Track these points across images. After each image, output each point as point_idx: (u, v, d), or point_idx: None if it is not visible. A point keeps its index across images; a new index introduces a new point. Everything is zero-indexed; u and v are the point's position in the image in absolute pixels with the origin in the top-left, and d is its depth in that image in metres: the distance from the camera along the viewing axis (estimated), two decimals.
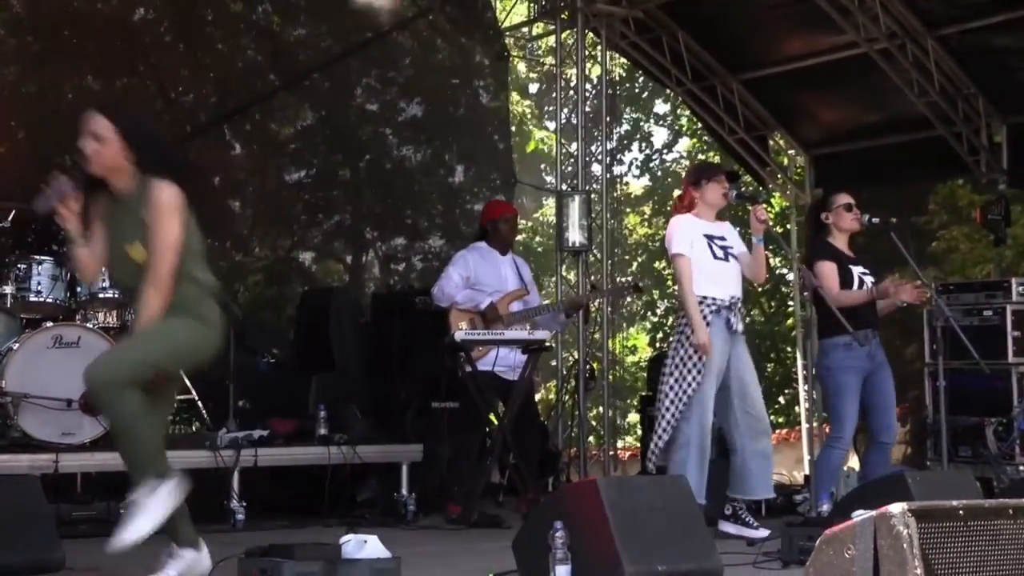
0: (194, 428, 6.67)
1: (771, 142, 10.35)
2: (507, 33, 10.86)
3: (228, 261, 9.96)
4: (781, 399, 15.22)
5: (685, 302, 6.00)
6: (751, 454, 6.04)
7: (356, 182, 10.58)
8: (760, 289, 13.89)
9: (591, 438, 10.23)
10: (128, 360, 4.15)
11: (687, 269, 6.02)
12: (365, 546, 4.02)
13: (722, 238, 6.15)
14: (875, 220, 6.35)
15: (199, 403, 7.00)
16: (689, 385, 5.93)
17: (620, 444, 13.82)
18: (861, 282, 6.19)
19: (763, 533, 5.78)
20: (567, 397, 9.00)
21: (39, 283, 6.37)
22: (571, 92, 9.49)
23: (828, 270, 6.15)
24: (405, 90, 10.68)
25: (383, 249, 10.91)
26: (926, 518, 3.00)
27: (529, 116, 17.84)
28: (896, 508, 2.99)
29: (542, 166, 18.01)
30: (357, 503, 6.83)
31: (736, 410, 6.03)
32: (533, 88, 17.85)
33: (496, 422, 6.78)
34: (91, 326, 6.35)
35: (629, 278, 15.65)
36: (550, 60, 11.46)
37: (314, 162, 10.44)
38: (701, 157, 16.50)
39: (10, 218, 6.39)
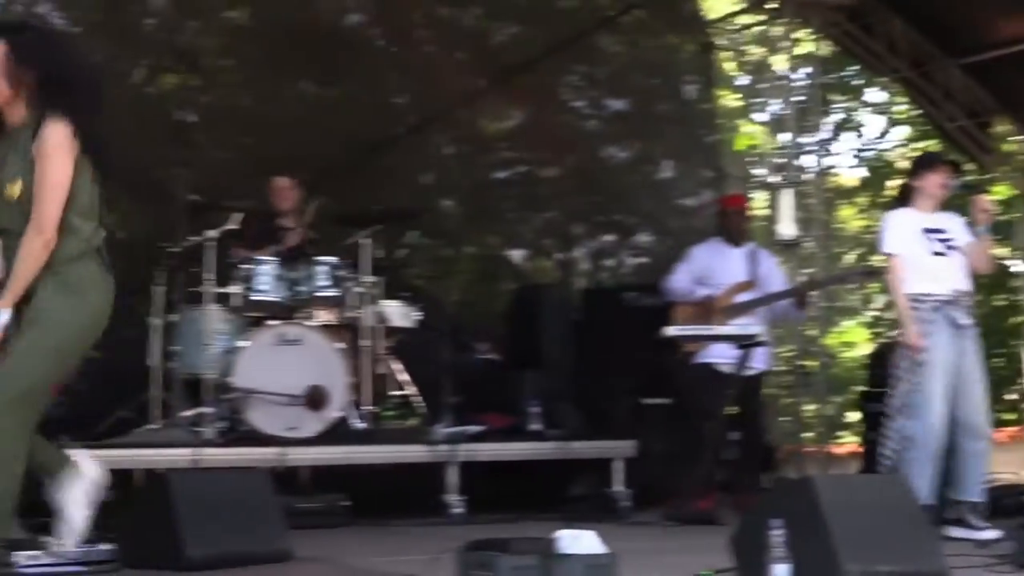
0: (412, 423, 6.81)
1: (994, 128, 9.93)
2: (712, 26, 10.73)
3: (440, 259, 10.16)
4: (1010, 395, 14.59)
5: (895, 302, 5.88)
6: (967, 455, 5.83)
7: (563, 179, 10.61)
8: (986, 282, 13.33)
9: (808, 434, 10.02)
10: (13, 389, 3.74)
11: (898, 268, 5.88)
12: (580, 541, 4.02)
13: (942, 230, 5.95)
14: None
15: (415, 398, 7.16)
16: (910, 385, 5.78)
17: (837, 441, 13.50)
18: None
19: (992, 534, 5.55)
20: (782, 392, 8.85)
21: (263, 283, 6.62)
22: (780, 83, 9.32)
23: None
24: (609, 87, 10.67)
25: (592, 246, 10.92)
26: None
27: (737, 108, 17.55)
28: None
29: (751, 159, 17.71)
30: (571, 498, 6.87)
31: (956, 409, 5.83)
32: (740, 80, 17.56)
33: (713, 417, 6.71)
34: (312, 324, 6.57)
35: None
36: (757, 50, 11.29)
37: (522, 160, 10.53)
38: (918, 146, 15.96)
39: (236, 220, 6.62)
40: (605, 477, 6.83)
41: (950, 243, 5.93)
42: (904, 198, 6.08)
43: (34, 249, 3.75)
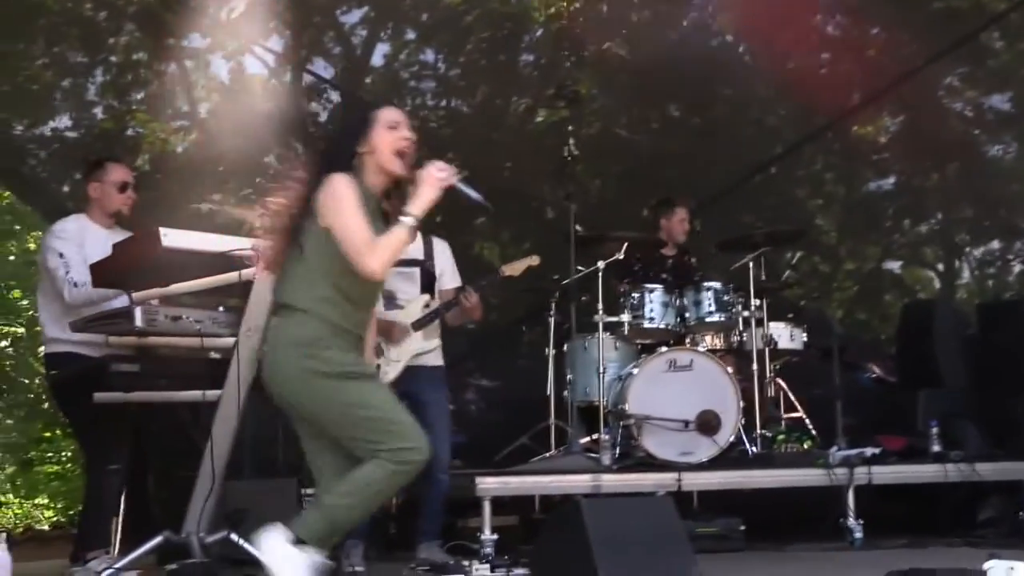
0: (804, 446, 6.70)
1: None
2: None
3: (819, 275, 9.98)
4: None
5: None
6: None
7: (944, 186, 10.20)
8: None
9: None
10: None
11: None
12: (1013, 573, 3.83)
13: None
14: None
15: (805, 421, 7.06)
16: None
17: None
18: None
19: None
20: None
21: (651, 310, 6.71)
22: None
23: None
24: (992, 85, 10.14)
25: (976, 254, 10.41)
26: None
27: None
28: None
29: None
30: (977, 522, 6.56)
31: None
32: None
33: None
34: (701, 349, 6.60)
35: None
36: None
37: (900, 169, 10.19)
38: None
39: (622, 250, 6.75)
40: (1013, 500, 6.47)
41: None
42: None
43: None
